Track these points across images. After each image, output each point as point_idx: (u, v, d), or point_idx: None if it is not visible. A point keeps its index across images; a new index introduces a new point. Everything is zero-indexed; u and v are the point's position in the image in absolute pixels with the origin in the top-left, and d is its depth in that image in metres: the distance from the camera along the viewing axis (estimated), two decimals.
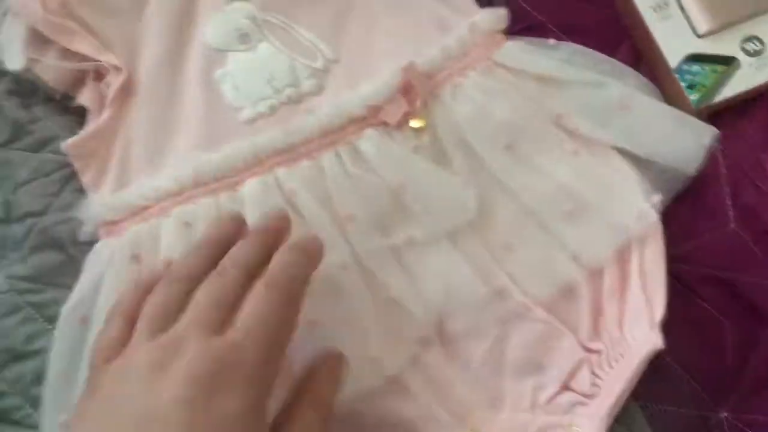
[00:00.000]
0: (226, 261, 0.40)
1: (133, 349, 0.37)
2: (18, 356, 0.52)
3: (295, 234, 0.48)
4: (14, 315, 0.52)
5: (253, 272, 0.40)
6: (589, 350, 0.51)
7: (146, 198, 0.52)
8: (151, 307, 0.39)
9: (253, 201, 0.51)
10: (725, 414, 0.51)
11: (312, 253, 0.43)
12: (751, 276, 0.52)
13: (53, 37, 0.53)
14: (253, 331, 0.37)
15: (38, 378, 0.51)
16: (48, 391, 0.49)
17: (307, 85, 0.55)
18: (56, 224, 0.53)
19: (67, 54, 0.54)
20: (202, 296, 0.38)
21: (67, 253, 0.53)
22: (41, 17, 0.52)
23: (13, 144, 0.55)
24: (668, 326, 0.50)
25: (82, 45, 0.53)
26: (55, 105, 0.56)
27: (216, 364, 0.35)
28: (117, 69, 0.54)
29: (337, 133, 0.53)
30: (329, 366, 0.43)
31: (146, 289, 0.40)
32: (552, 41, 0.56)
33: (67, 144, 0.53)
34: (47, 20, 0.52)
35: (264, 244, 0.42)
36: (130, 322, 0.39)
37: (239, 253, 0.41)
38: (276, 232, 0.44)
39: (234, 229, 0.44)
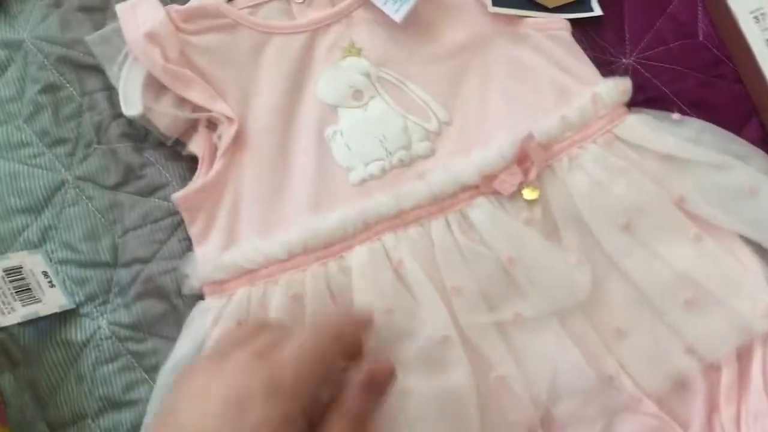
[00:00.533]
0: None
1: None
2: (116, 405, 0.52)
3: (401, 304, 0.48)
4: (114, 362, 0.53)
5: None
6: None
7: (255, 262, 0.51)
8: None
9: (360, 269, 0.51)
10: None
11: (384, 384, 0.40)
12: None
13: (170, 86, 0.53)
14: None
15: (134, 428, 0.51)
16: None
17: (419, 147, 0.54)
18: (162, 273, 0.54)
19: (181, 102, 0.54)
20: None
21: (171, 303, 0.53)
22: (160, 66, 0.53)
23: (123, 187, 0.56)
24: None
25: (197, 94, 0.54)
26: (166, 151, 0.56)
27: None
28: (229, 120, 0.54)
29: (448, 200, 0.52)
30: (371, 379, 0.40)
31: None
32: (677, 116, 0.54)
33: (177, 196, 0.53)
34: (166, 69, 0.53)
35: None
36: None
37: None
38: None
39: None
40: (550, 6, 0.56)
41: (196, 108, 0.54)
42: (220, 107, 0.54)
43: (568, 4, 0.56)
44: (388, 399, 0.40)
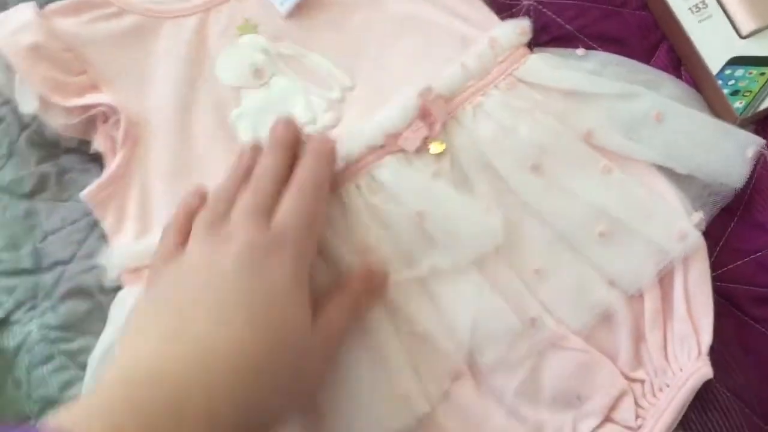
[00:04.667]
0: (258, 173, 0.49)
1: (190, 247, 0.47)
2: (54, 404, 0.55)
3: (316, 271, 0.51)
4: (48, 363, 0.56)
5: (281, 180, 0.48)
6: (631, 380, 0.50)
7: None
8: (201, 217, 0.48)
9: None
10: None
11: (329, 153, 0.51)
12: None
13: (49, 99, 0.55)
14: (291, 222, 0.46)
15: None
16: None
17: (324, 119, 0.56)
18: (83, 272, 0.57)
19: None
20: (243, 203, 0.47)
21: (95, 300, 0.56)
22: (36, 80, 0.55)
23: (39, 195, 0.59)
24: (717, 351, 0.50)
25: (74, 98, 0.56)
26: (79, 155, 0.59)
27: (264, 246, 0.45)
28: (113, 109, 0.56)
29: (356, 164, 0.54)
30: (369, 274, 0.51)
31: (192, 208, 0.50)
32: (581, 51, 0.56)
33: (85, 193, 0.56)
34: (42, 82, 0.55)
35: (283, 156, 0.50)
36: (185, 233, 0.48)
37: (267, 167, 0.49)
38: (289, 142, 0.51)
39: (257, 154, 0.51)
40: None
41: (84, 108, 0.56)
42: (102, 99, 0.56)
43: None
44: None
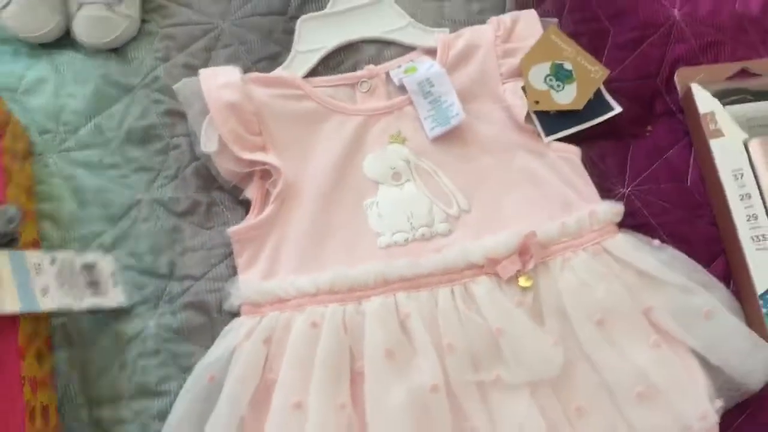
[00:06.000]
0: None
1: None
2: (149, 393, 0.65)
3: (402, 350, 0.62)
4: (155, 357, 0.66)
5: None
6: None
7: (288, 293, 0.66)
8: None
9: (372, 315, 0.65)
10: None
11: None
12: None
13: (229, 145, 0.69)
14: None
15: (160, 415, 0.64)
16: (166, 430, 0.62)
17: (439, 227, 0.69)
18: (208, 291, 0.68)
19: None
20: None
21: (210, 317, 0.68)
22: (226, 130, 0.69)
23: (188, 217, 0.71)
24: None
25: (249, 154, 0.69)
26: (228, 196, 0.72)
27: None
28: (278, 171, 0.69)
29: (456, 274, 0.66)
30: None
31: None
32: (657, 242, 0.68)
33: (233, 230, 0.68)
34: (230, 133, 0.69)
35: None
36: None
37: None
38: None
39: None
40: (581, 107, 0.72)
41: (251, 162, 0.70)
42: (270, 159, 0.69)
43: (591, 106, 0.72)
44: None
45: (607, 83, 0.74)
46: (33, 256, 0.62)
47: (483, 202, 0.71)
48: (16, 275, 0.60)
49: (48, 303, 0.61)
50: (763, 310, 0.65)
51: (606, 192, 0.72)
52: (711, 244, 0.70)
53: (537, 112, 0.72)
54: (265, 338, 0.64)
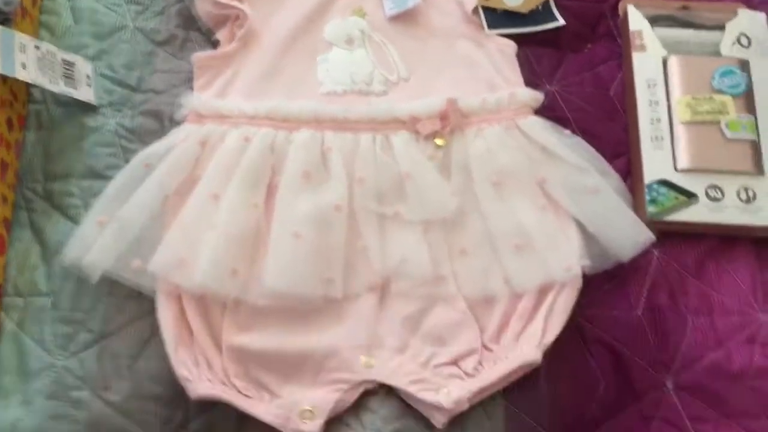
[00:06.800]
0: None
1: None
2: (96, 175, 0.75)
3: (318, 173, 0.71)
4: (108, 147, 0.76)
5: None
6: (485, 347, 0.68)
7: (230, 111, 0.75)
8: None
9: (298, 144, 0.73)
10: None
11: None
12: (639, 357, 0.68)
13: None
14: None
15: (98, 194, 0.73)
16: (101, 200, 0.71)
17: (377, 87, 0.78)
18: (166, 104, 0.78)
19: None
20: None
21: (162, 124, 0.78)
22: None
23: (164, 46, 0.82)
24: (555, 361, 0.67)
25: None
26: (204, 35, 0.83)
27: None
28: (245, 15, 0.79)
29: (381, 125, 0.75)
30: None
31: None
32: (568, 132, 0.76)
33: (197, 55, 0.79)
34: None
35: None
36: None
37: None
38: None
39: None
40: (525, 11, 0.81)
41: (226, 6, 0.80)
42: (244, 7, 0.79)
43: (536, 14, 0.81)
44: None
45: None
46: (21, 38, 0.73)
47: (421, 75, 0.80)
48: (2, 46, 0.71)
49: (24, 74, 0.72)
50: (647, 197, 0.72)
51: (533, 86, 0.79)
52: (618, 145, 0.78)
53: (485, 8, 0.81)
54: (201, 141, 0.73)
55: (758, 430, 0.66)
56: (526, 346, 0.67)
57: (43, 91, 0.77)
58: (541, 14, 0.83)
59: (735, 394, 0.67)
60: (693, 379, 0.67)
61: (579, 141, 0.76)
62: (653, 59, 0.78)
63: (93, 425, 0.65)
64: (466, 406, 0.65)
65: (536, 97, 0.77)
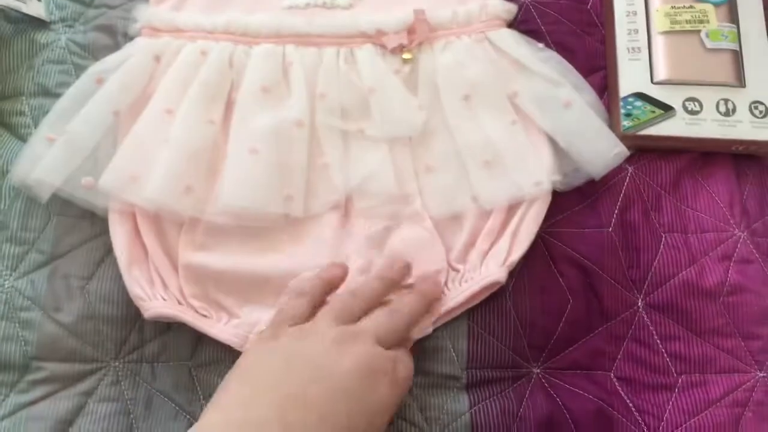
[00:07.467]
0: (398, 305, 0.60)
1: (318, 323, 0.56)
2: (46, 93, 0.72)
3: (278, 89, 0.68)
4: (59, 65, 0.73)
5: (418, 314, 0.61)
6: (452, 267, 0.66)
7: (186, 25, 0.72)
8: (337, 303, 0.58)
9: (258, 58, 0.70)
10: (536, 370, 0.65)
11: (431, 298, 0.63)
12: (607, 275, 0.66)
13: None
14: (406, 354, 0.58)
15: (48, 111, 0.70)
16: (49, 117, 0.68)
17: (341, 0, 0.75)
18: (120, 18, 0.75)
19: None
20: (383, 320, 0.57)
21: (116, 40, 0.74)
22: None
23: None
24: (522, 280, 0.66)
25: None
26: None
27: (380, 363, 0.54)
28: None
29: (345, 39, 0.72)
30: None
31: (334, 283, 0.61)
32: (541, 45, 0.73)
33: None
34: None
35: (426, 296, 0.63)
36: (313, 307, 0.58)
37: (405, 301, 0.61)
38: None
39: (408, 272, 0.64)
40: None
41: None
42: None
43: None
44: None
45: None
46: None
47: None
48: None
49: None
50: (622, 111, 0.69)
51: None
52: (594, 58, 0.74)
53: None
54: (156, 55, 0.70)
55: (730, 348, 0.64)
56: (492, 264, 0.65)
57: None
58: None
59: (707, 312, 0.65)
60: (665, 298, 0.65)
61: (553, 54, 0.73)
62: None
63: (44, 346, 0.64)
64: (430, 330, 0.64)
65: (509, 9, 0.74)
